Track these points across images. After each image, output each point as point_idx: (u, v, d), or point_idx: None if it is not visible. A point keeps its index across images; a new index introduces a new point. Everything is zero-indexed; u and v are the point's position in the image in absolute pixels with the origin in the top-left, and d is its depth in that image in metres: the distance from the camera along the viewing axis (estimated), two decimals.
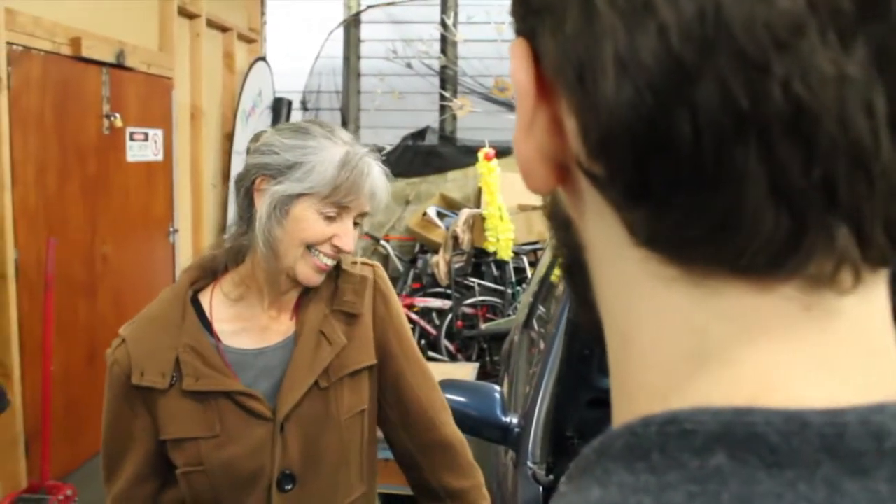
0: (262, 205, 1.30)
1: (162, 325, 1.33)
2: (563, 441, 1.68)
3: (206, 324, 1.35)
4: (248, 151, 1.38)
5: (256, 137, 1.39)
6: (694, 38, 0.25)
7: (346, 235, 1.31)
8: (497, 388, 2.17)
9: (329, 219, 1.30)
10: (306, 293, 1.40)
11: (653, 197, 0.28)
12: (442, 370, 3.90)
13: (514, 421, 2.05)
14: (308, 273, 1.32)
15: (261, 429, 1.31)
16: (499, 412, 2.04)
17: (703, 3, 0.25)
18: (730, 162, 0.26)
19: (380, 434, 1.49)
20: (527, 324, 3.14)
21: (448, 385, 2.02)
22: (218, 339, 1.34)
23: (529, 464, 1.90)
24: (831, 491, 0.24)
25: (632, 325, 0.31)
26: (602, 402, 1.63)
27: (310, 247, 1.30)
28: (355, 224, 1.34)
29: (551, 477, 1.79)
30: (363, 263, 1.46)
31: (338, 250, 1.32)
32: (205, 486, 1.30)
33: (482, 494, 1.53)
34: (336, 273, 1.41)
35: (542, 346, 2.62)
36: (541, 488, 1.82)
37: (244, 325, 1.37)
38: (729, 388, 0.28)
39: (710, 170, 0.26)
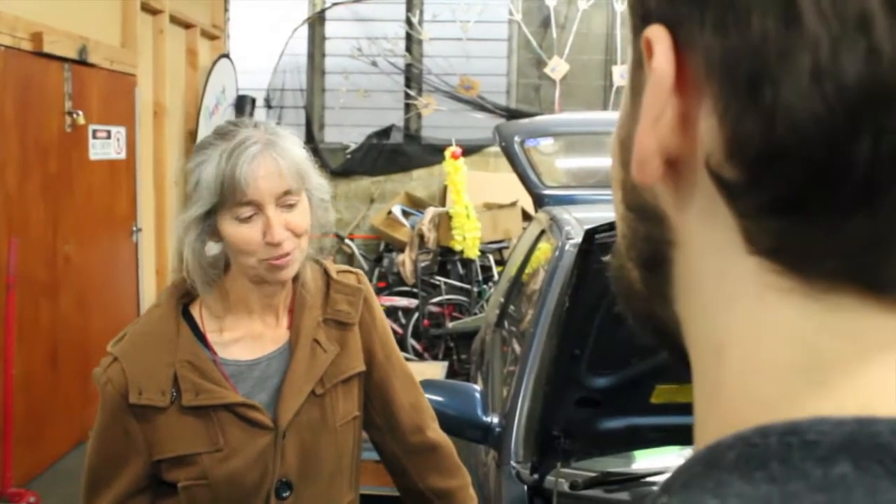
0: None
1: (156, 341, 1.30)
2: (550, 440, 1.69)
3: (200, 337, 1.33)
4: None
5: None
6: None
7: (274, 226, 1.23)
8: (477, 387, 2.18)
9: (248, 221, 1.24)
10: (299, 299, 1.38)
11: (804, 211, 0.27)
12: (413, 369, 3.87)
13: (495, 420, 2.06)
14: (272, 275, 1.28)
15: (262, 439, 1.30)
16: (479, 412, 2.04)
17: None
18: None
19: (363, 436, 1.49)
20: (499, 323, 3.15)
21: (427, 385, 2.02)
22: (214, 352, 1.33)
23: (513, 463, 1.91)
24: None
25: (731, 332, 0.31)
26: (590, 402, 1.65)
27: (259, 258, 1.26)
28: (290, 206, 1.26)
29: (536, 476, 1.80)
30: (346, 272, 1.45)
31: (274, 245, 1.24)
32: (206, 499, 1.29)
33: (470, 494, 1.55)
34: (326, 281, 1.41)
35: (514, 344, 2.63)
36: (525, 487, 1.83)
37: (237, 335, 1.35)
38: (840, 402, 0.28)
39: (877, 193, 0.26)
